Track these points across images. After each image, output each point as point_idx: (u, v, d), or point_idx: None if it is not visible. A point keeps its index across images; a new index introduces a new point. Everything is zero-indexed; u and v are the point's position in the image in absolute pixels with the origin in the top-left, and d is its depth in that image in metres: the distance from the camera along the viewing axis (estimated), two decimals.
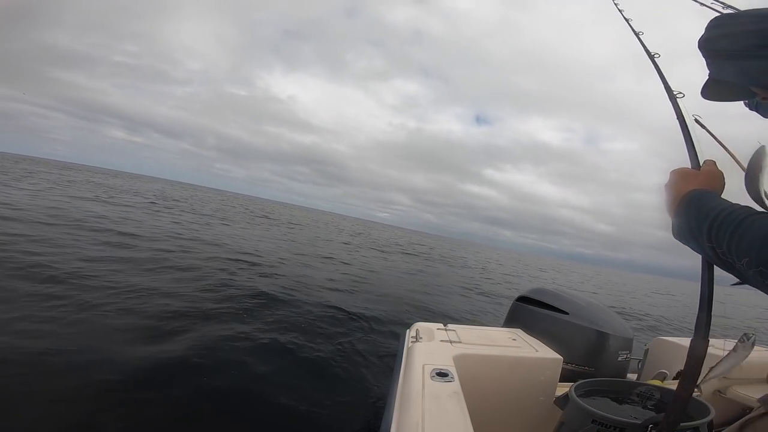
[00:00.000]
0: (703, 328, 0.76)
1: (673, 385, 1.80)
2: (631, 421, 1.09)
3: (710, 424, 1.00)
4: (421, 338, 1.71)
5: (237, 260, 7.08)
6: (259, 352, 3.27)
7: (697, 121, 1.22)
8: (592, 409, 1.12)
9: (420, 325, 1.88)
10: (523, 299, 2.36)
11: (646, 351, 2.17)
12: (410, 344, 1.62)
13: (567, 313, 2.13)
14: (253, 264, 7.08)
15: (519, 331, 1.96)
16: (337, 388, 3.01)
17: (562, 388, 1.36)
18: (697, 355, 0.76)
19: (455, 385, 1.20)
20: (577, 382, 1.31)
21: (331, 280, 7.27)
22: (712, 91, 0.85)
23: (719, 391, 1.82)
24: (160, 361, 2.79)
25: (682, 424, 1.06)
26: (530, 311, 2.25)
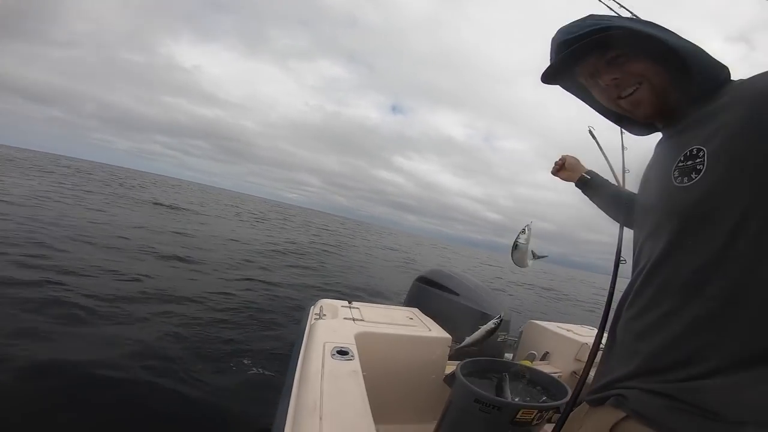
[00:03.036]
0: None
1: (541, 365, 2.06)
2: (507, 401, 1.24)
3: (570, 405, 1.17)
4: (324, 315, 1.71)
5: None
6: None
7: (590, 132, 1.38)
8: (475, 388, 1.24)
9: (325, 302, 1.88)
10: (421, 279, 2.46)
11: (521, 333, 2.43)
12: (313, 321, 1.61)
13: (458, 294, 2.26)
14: None
15: (416, 311, 2.08)
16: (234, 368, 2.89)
17: (452, 367, 1.47)
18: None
19: (355, 364, 1.23)
20: (463, 361, 1.44)
21: None
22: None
23: (575, 373, 2.07)
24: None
25: (544, 405, 1.24)
26: (427, 291, 2.36)
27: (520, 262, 1.26)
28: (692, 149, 0.60)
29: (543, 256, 1.30)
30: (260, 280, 5.93)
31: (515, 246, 1.26)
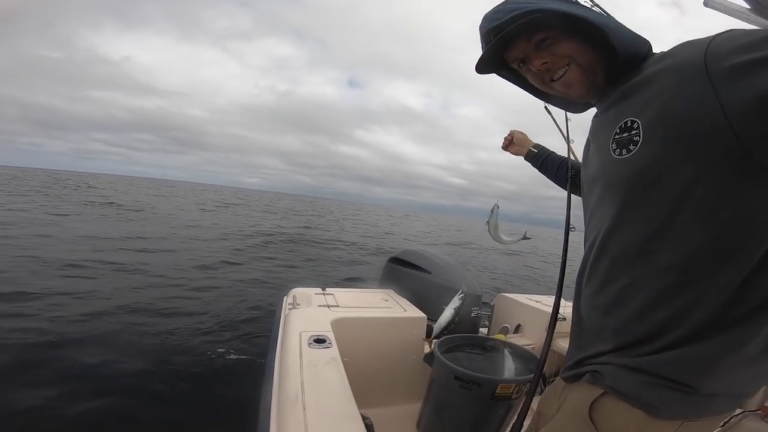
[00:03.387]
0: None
1: (514, 338, 2.13)
2: (486, 377, 1.27)
3: (543, 376, 1.21)
4: (298, 304, 1.69)
5: None
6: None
7: (546, 108, 1.42)
8: (454, 365, 1.27)
9: (297, 291, 1.84)
10: (393, 260, 2.47)
11: (493, 307, 2.49)
12: (287, 311, 1.58)
13: (430, 273, 2.29)
14: None
15: (391, 292, 2.09)
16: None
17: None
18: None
19: (333, 351, 1.23)
20: (440, 339, 1.47)
21: None
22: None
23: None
24: None
25: (521, 378, 1.28)
26: (400, 271, 2.36)
27: (497, 239, 1.43)
28: (626, 121, 0.60)
29: (527, 238, 1.54)
30: (229, 275, 5.74)
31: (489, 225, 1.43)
